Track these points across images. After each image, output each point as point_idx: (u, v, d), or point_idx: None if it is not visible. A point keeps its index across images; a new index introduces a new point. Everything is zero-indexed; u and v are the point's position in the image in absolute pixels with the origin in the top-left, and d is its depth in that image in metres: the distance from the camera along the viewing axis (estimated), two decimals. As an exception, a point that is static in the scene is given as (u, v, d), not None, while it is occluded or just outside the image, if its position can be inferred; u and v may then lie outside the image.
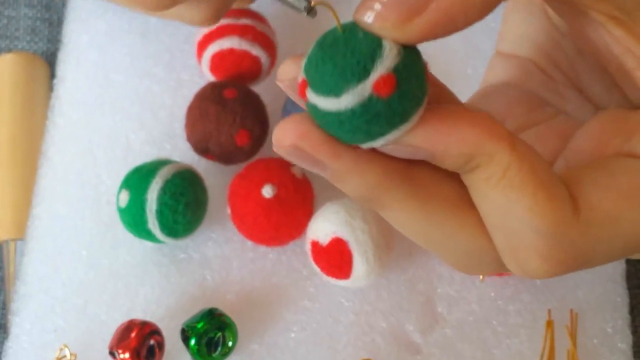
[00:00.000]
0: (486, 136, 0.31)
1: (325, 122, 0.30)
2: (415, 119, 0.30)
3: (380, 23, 0.29)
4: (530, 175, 0.31)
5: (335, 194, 0.50)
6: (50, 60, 0.60)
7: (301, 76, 0.30)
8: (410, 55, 0.30)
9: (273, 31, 0.55)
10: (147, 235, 0.49)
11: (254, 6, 0.55)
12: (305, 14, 0.30)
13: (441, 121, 0.30)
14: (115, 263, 0.52)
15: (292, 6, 0.37)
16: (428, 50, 0.32)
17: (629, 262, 0.52)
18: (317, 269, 0.49)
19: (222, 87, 0.51)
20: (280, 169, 0.50)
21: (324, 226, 0.48)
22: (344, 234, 0.47)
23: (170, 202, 0.49)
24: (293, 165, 0.50)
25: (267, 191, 0.49)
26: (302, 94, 0.30)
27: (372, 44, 0.29)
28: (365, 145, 0.30)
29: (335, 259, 0.47)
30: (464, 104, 0.37)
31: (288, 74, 0.32)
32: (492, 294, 0.50)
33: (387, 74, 0.29)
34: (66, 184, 0.54)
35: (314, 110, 0.30)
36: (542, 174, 0.32)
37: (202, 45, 0.54)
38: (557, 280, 0.50)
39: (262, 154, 0.53)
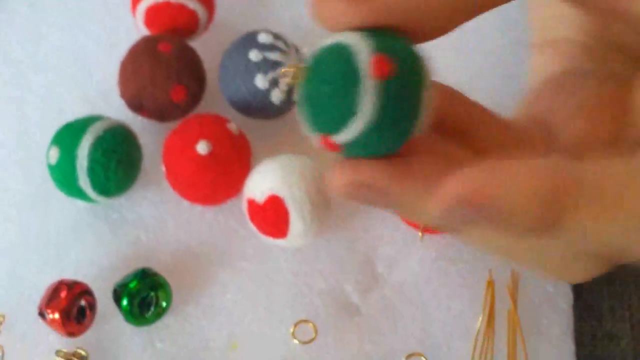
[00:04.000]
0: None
1: (359, 146, 0.29)
2: (428, 101, 0.29)
3: None
4: None
5: (273, 151, 0.49)
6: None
7: (317, 136, 0.30)
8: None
9: (211, -15, 0.53)
10: (78, 193, 0.48)
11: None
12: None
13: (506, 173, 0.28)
14: (47, 223, 0.50)
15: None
16: None
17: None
18: (254, 229, 0.48)
19: (157, 40, 0.50)
20: (215, 124, 0.48)
21: (260, 183, 0.46)
22: (280, 191, 0.46)
23: (102, 159, 0.47)
24: (229, 121, 0.49)
25: (202, 147, 0.47)
26: (333, 147, 0.30)
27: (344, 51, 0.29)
28: (404, 140, 0.30)
29: (271, 217, 0.46)
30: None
31: (343, 179, 0.30)
32: (434, 254, 0.49)
33: (376, 56, 0.28)
34: (-5, 144, 0.52)
35: (347, 148, 0.29)
36: None
37: (137, -3, 0.52)
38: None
39: (198, 110, 0.51)
